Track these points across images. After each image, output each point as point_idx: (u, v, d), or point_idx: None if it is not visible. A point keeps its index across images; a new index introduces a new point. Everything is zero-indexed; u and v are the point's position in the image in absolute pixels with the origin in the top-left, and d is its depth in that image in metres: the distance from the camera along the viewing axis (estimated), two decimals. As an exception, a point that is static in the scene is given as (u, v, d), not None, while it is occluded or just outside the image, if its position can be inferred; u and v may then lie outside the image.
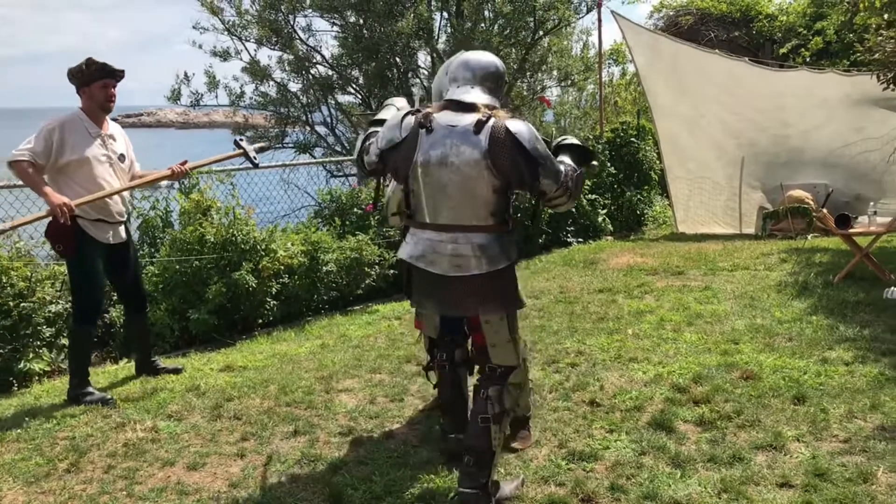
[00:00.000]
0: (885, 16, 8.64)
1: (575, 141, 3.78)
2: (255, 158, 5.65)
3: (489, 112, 3.39)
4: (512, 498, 3.53)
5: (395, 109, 3.94)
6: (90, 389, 5.08)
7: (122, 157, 5.12)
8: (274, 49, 14.28)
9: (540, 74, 16.00)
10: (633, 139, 12.67)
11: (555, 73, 16.76)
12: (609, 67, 19.66)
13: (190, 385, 5.27)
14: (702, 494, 3.52)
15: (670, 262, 8.80)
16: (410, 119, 3.48)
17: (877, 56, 7.68)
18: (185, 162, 5.35)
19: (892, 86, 7.62)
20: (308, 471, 3.91)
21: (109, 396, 5.04)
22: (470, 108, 3.42)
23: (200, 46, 14.53)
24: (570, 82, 17.30)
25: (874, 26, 8.64)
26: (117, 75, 5.01)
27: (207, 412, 4.76)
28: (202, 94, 14.49)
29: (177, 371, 5.60)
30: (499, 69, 3.57)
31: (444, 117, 3.43)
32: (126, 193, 5.26)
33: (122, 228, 5.19)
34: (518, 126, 3.35)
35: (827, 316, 6.25)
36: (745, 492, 3.52)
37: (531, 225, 3.68)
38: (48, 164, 4.78)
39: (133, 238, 5.68)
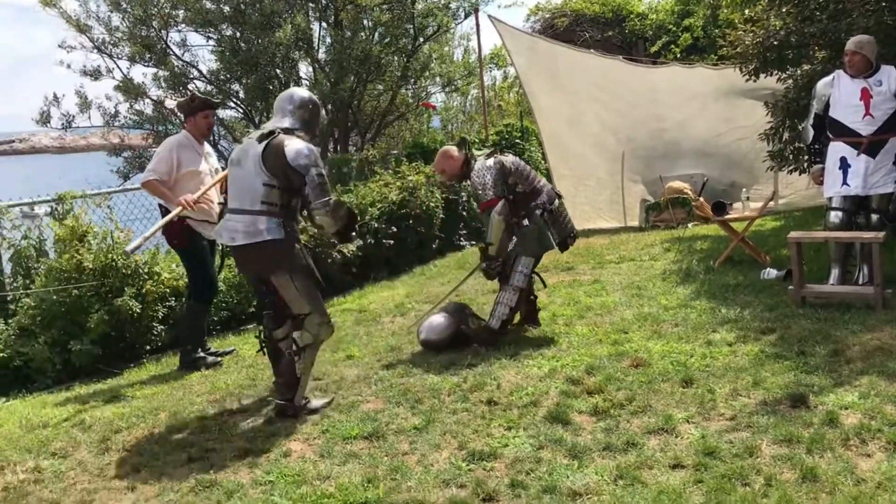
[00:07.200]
0: (746, 11, 9.11)
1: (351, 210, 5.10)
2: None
3: (279, 131, 4.71)
4: (319, 410, 4.76)
5: None
6: (203, 355, 6.17)
7: (216, 171, 6.20)
8: (148, 66, 13.84)
9: (423, 81, 16.07)
10: (518, 140, 12.89)
11: (438, 79, 16.87)
12: (491, 71, 19.95)
13: (75, 420, 5.02)
14: (599, 483, 3.59)
15: (560, 259, 8.95)
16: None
17: (738, 49, 8.05)
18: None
19: (753, 77, 8.01)
20: (203, 497, 3.78)
21: (221, 354, 6.27)
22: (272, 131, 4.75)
23: (69, 66, 13.97)
24: (453, 87, 17.45)
25: (736, 21, 9.08)
26: (216, 106, 6.50)
27: (94, 446, 4.55)
28: (74, 116, 13.90)
29: (230, 353, 6.36)
30: (311, 100, 4.99)
31: (254, 134, 4.88)
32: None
33: None
34: (291, 143, 4.64)
35: (709, 300, 6.50)
36: (640, 476, 3.61)
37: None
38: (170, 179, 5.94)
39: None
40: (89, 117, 14.14)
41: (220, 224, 4.95)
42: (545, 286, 6.61)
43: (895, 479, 3.39)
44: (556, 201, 5.98)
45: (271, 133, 4.70)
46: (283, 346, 4.83)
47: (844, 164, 6.20)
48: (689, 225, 10.41)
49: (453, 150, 6.06)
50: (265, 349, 5.03)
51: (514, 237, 5.81)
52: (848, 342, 5.13)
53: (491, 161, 5.76)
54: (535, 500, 3.49)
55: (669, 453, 3.82)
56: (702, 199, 9.94)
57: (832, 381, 4.52)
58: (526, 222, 5.80)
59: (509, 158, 5.90)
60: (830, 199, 6.36)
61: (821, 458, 3.64)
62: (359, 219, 5.35)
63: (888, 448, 3.68)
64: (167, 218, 5.77)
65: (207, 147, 6.38)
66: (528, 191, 5.85)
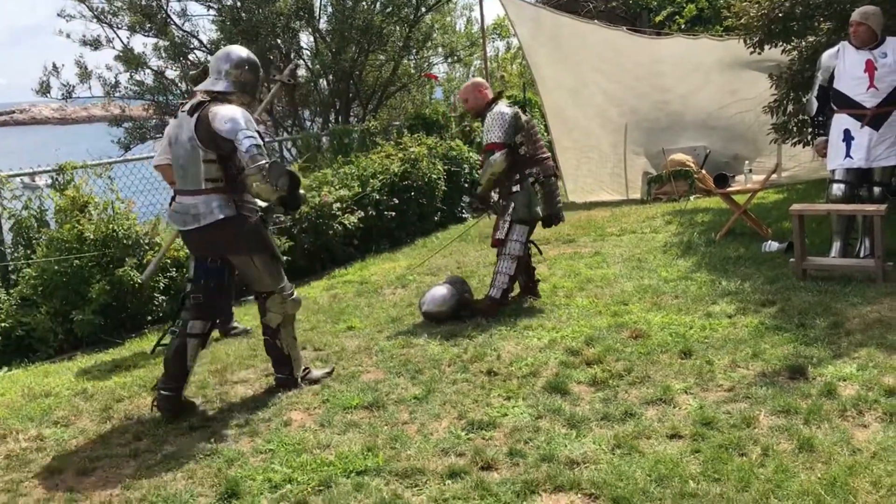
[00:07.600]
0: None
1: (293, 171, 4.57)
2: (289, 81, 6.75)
3: (208, 98, 4.36)
4: (319, 380, 4.75)
5: None
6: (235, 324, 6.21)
7: None
8: (148, 36, 13.76)
9: (426, 51, 15.97)
10: (520, 112, 12.80)
11: (440, 49, 16.76)
12: (494, 42, 19.81)
13: (77, 389, 5.06)
14: (596, 452, 3.61)
15: (561, 231, 8.94)
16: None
17: (743, 21, 7.98)
18: None
19: (758, 49, 7.93)
20: (204, 465, 3.81)
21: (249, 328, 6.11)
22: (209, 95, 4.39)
23: (69, 36, 13.89)
24: (456, 58, 17.35)
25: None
26: None
27: (97, 415, 4.59)
28: (74, 86, 13.86)
29: (246, 332, 6.08)
30: (249, 60, 4.51)
31: (186, 105, 4.46)
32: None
33: None
34: (217, 109, 4.25)
35: (710, 272, 6.50)
36: (637, 445, 3.63)
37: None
38: None
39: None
40: (90, 88, 14.12)
41: (171, 206, 4.72)
42: (541, 254, 6.63)
43: (890, 449, 3.40)
44: (553, 179, 6.06)
45: (202, 104, 4.35)
46: (193, 343, 4.47)
47: (848, 137, 6.16)
48: (691, 197, 10.38)
49: (486, 84, 6.22)
50: (162, 345, 5.14)
51: (511, 203, 5.87)
52: (848, 314, 5.14)
53: (510, 110, 5.89)
54: (532, 469, 3.51)
55: (667, 423, 3.84)
56: (704, 171, 9.90)
57: (831, 352, 4.53)
58: (516, 188, 5.86)
59: (526, 116, 6.03)
60: (833, 171, 6.32)
61: (818, 429, 3.65)
62: (302, 182, 4.74)
63: (884, 419, 3.69)
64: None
65: None
66: (528, 156, 5.91)
